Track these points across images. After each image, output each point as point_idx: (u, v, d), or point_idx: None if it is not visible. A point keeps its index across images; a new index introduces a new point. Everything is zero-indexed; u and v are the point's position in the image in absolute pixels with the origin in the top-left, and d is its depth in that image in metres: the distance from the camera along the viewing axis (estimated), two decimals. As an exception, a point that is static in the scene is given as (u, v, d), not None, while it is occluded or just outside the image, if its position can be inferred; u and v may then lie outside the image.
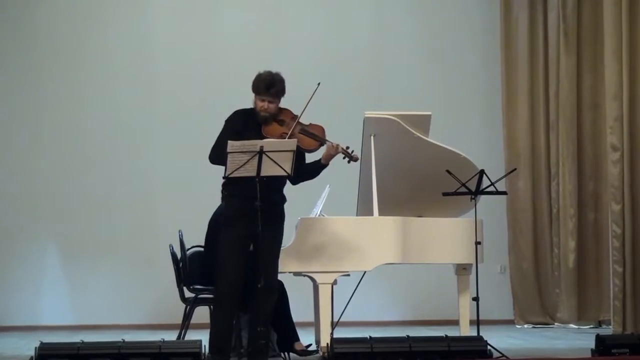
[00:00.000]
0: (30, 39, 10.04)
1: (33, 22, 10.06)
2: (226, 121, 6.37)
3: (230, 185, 6.30)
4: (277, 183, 6.27)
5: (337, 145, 6.33)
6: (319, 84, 6.19)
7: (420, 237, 6.74)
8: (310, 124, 6.37)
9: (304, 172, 6.37)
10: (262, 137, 6.20)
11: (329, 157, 6.36)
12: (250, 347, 6.32)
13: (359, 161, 6.63)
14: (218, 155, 6.19)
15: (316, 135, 6.32)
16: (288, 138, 6.20)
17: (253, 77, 6.34)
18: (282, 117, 6.34)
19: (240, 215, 6.23)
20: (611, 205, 8.69)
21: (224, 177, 6.13)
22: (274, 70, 6.32)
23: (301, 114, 6.30)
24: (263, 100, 6.26)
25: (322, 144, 6.34)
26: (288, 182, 6.39)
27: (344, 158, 6.43)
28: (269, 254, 6.19)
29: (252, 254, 6.23)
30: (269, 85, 6.25)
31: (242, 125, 6.30)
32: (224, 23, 10.23)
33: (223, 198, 6.38)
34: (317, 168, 6.44)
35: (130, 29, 10.16)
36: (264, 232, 6.09)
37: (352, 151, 6.42)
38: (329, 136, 6.40)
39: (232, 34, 10.17)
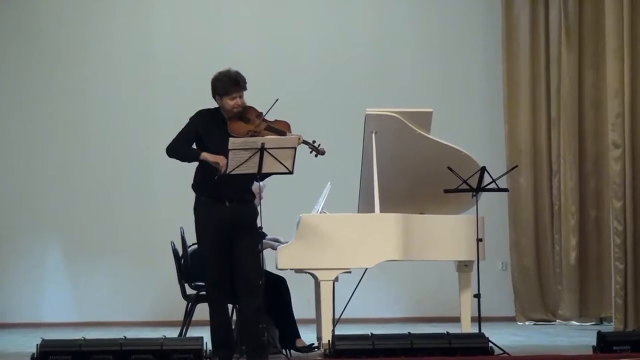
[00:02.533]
0: (31, 35, 10.03)
1: (34, 18, 10.05)
2: (190, 119, 6.46)
3: (199, 187, 6.36)
4: (246, 181, 6.29)
5: (299, 137, 6.33)
6: (277, 99, 6.22)
7: (421, 234, 6.74)
8: (276, 120, 6.39)
9: None
10: (229, 136, 6.23)
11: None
12: (251, 344, 6.33)
13: (360, 160, 6.64)
14: (172, 148, 6.38)
15: (281, 131, 6.33)
16: (252, 133, 6.22)
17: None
18: (247, 115, 6.36)
19: (213, 216, 6.28)
20: (612, 203, 8.69)
21: (227, 174, 6.16)
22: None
23: (267, 112, 6.31)
24: (234, 98, 6.31)
25: None
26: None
27: (311, 152, 6.45)
28: (247, 251, 6.22)
29: (233, 249, 6.29)
30: (236, 81, 6.33)
31: (206, 125, 6.35)
32: (224, 21, 10.22)
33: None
34: None
35: (131, 25, 10.15)
36: (240, 230, 6.15)
37: (319, 145, 6.44)
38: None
39: (232, 32, 10.16)
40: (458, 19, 10.29)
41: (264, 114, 6.34)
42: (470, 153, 6.97)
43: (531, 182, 9.86)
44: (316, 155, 6.45)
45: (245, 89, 6.36)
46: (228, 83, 6.32)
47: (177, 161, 9.79)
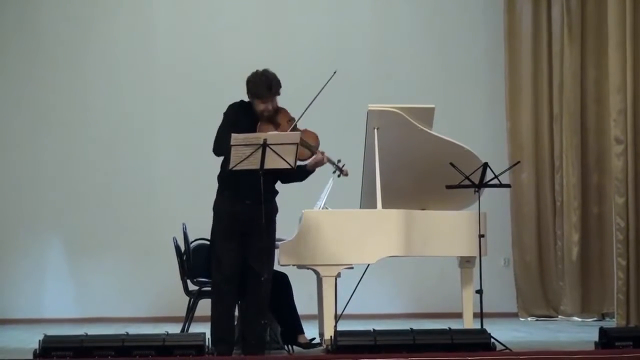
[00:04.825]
0: (33, 32, 10.03)
1: (36, 15, 10.05)
2: (224, 114, 6.41)
3: (223, 180, 6.36)
4: (270, 178, 6.29)
5: (325, 156, 6.34)
6: (335, 72, 6.18)
7: (423, 230, 6.73)
8: (305, 129, 6.35)
9: (292, 175, 6.40)
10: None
11: (315, 165, 6.39)
12: (250, 338, 6.34)
13: (362, 156, 6.63)
14: (220, 146, 6.25)
15: (309, 145, 6.31)
16: None
17: (254, 71, 6.36)
18: (278, 120, 6.32)
19: (233, 209, 6.28)
20: (615, 198, 8.68)
21: (228, 170, 6.16)
22: (259, 68, 6.37)
23: (299, 119, 6.30)
24: (264, 102, 6.27)
25: (312, 153, 6.32)
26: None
27: (334, 172, 6.47)
28: (263, 247, 6.21)
29: (246, 246, 6.27)
30: (269, 86, 6.26)
31: (237, 119, 6.31)
32: (224, 19, 10.22)
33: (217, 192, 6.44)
34: (303, 173, 6.46)
35: (132, 23, 10.16)
36: (256, 227, 6.14)
37: (343, 165, 6.46)
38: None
39: (233, 30, 10.16)
40: (460, 15, 10.29)
41: (295, 121, 6.31)
42: (473, 149, 6.96)
43: (533, 178, 9.86)
44: (339, 176, 6.47)
45: (277, 94, 6.29)
46: (260, 86, 6.25)
47: (179, 157, 9.93)
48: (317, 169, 6.53)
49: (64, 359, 5.94)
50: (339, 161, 6.46)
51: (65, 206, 9.95)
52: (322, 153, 6.37)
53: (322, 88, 6.25)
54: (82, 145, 10.01)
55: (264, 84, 6.25)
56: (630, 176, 8.57)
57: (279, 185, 6.55)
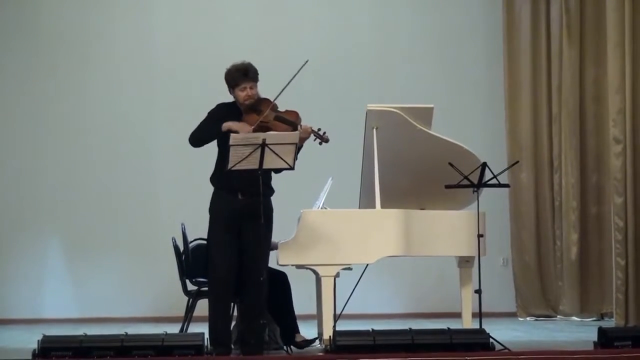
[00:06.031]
0: (32, 35, 10.02)
1: (35, 17, 10.04)
2: (208, 113, 6.52)
3: (218, 179, 6.37)
4: (265, 176, 6.31)
5: (309, 127, 6.41)
6: (307, 60, 6.28)
7: (422, 229, 6.73)
8: (286, 110, 6.44)
9: None
10: None
11: (302, 140, 6.42)
12: (249, 338, 6.35)
13: (361, 156, 6.63)
14: (196, 139, 6.42)
15: (289, 121, 6.38)
16: (261, 123, 6.25)
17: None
18: (260, 107, 6.39)
19: (228, 210, 6.29)
20: (614, 198, 8.69)
21: (226, 171, 6.17)
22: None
23: (275, 98, 6.34)
24: (244, 89, 6.35)
25: (295, 129, 6.37)
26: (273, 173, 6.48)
27: (314, 140, 6.48)
28: (259, 247, 6.22)
29: (243, 245, 6.30)
30: (245, 71, 6.38)
31: (224, 118, 6.39)
32: (224, 19, 10.22)
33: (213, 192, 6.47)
34: None
35: (132, 24, 10.15)
36: (253, 225, 6.15)
37: (324, 133, 6.49)
38: (328, 133, 6.46)
39: (233, 30, 10.14)
40: (459, 15, 10.29)
41: (273, 100, 6.35)
42: (471, 149, 6.97)
43: (532, 177, 9.86)
44: (320, 143, 6.49)
45: (255, 79, 6.41)
46: (236, 74, 6.37)
47: (178, 157, 9.93)
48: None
49: (63, 359, 5.95)
50: (319, 129, 6.48)
51: (64, 206, 9.94)
52: (306, 128, 6.41)
53: (294, 76, 6.30)
54: (81, 145, 10.01)
55: (239, 72, 6.38)
56: (629, 176, 8.57)
57: (276, 183, 6.56)
